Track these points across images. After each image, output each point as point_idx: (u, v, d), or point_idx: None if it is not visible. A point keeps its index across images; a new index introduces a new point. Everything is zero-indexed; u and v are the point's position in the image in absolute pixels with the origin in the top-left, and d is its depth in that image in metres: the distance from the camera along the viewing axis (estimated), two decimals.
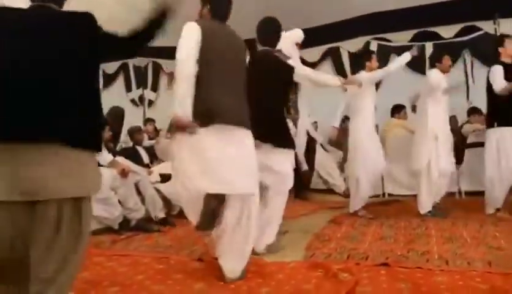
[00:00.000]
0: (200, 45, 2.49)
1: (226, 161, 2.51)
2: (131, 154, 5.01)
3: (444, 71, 4.65)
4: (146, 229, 4.18)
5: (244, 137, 2.66)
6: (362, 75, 4.70)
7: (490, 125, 4.50)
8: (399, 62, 4.80)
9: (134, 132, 5.44)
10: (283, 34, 3.69)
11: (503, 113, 4.34)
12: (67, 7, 1.88)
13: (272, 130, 3.27)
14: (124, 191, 4.23)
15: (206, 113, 2.47)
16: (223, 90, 2.55)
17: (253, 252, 3.17)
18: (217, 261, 2.74)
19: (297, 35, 4.25)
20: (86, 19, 1.76)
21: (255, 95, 2.84)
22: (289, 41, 3.95)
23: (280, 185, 3.35)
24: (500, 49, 4.49)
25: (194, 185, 2.52)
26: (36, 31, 1.66)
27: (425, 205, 4.53)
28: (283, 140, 3.39)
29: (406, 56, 4.69)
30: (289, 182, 3.44)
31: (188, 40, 2.49)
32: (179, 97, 2.45)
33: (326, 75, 4.20)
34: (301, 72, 3.58)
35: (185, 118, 2.44)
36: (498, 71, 4.31)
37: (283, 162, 3.35)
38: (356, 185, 4.64)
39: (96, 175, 1.79)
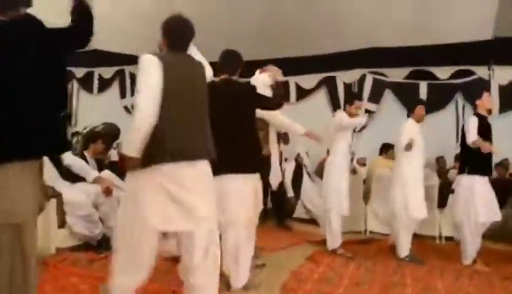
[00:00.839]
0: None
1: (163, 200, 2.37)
2: (119, 168, 4.99)
3: (418, 120, 4.81)
4: None
5: (196, 171, 2.48)
6: (336, 118, 4.91)
7: (461, 171, 4.63)
8: (359, 122, 5.06)
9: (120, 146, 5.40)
10: (256, 75, 4.03)
11: (474, 161, 4.47)
12: None
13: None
14: (106, 208, 4.22)
15: (148, 154, 2.34)
16: (174, 126, 2.42)
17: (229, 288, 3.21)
18: None
19: (267, 78, 4.04)
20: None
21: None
22: (260, 81, 3.89)
23: None
24: (477, 102, 4.65)
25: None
26: None
27: (403, 248, 4.58)
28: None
29: (363, 120, 5.04)
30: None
31: (151, 79, 2.35)
32: (129, 143, 2.34)
33: (292, 122, 4.16)
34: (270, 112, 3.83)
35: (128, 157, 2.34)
36: (472, 123, 4.46)
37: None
38: (329, 223, 4.75)
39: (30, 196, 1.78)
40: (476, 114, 4.59)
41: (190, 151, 2.45)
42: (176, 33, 2.58)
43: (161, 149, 2.35)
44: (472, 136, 4.37)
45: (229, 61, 3.47)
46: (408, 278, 3.89)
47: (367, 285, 3.63)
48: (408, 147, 4.52)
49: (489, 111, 4.68)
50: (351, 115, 4.88)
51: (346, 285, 3.59)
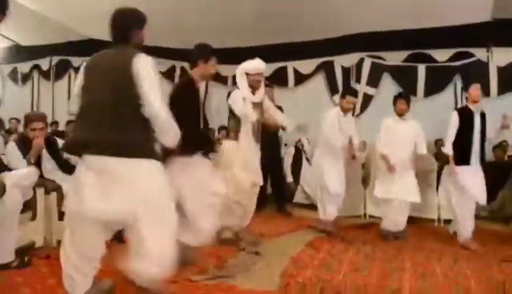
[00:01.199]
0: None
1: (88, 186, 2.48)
2: None
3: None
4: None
5: (107, 165, 2.44)
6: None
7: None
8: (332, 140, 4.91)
9: None
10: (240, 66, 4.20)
11: (455, 152, 4.58)
12: None
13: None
14: None
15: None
16: (81, 120, 2.56)
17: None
18: None
19: (247, 66, 4.18)
20: None
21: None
22: (238, 71, 4.19)
23: None
24: (466, 94, 4.74)
25: None
26: None
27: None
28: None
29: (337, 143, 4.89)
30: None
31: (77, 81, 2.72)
32: None
33: (251, 113, 4.06)
34: (237, 105, 4.08)
35: None
36: (452, 119, 4.63)
37: None
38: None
39: None
40: (457, 109, 4.82)
41: (93, 145, 2.47)
42: (113, 27, 2.61)
43: (70, 140, 2.72)
44: (450, 135, 4.58)
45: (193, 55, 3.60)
46: (407, 263, 3.92)
47: (367, 270, 3.67)
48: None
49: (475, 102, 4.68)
50: (342, 109, 4.96)
51: (346, 270, 3.63)
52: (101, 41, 8.49)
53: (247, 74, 4.15)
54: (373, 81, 7.74)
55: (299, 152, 6.90)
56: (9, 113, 9.02)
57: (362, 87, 7.76)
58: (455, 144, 4.57)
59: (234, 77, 7.53)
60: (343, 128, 4.97)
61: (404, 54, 7.49)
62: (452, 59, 7.17)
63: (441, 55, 7.23)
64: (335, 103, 7.89)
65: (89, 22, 7.64)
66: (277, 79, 7.84)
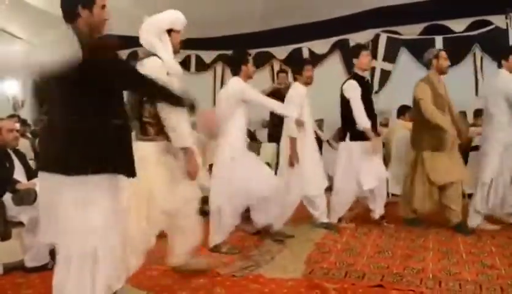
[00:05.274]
0: None
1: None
2: None
3: (307, 83, 4.62)
4: None
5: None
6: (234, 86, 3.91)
7: (342, 138, 4.60)
8: (273, 106, 4.05)
9: None
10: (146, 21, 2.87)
11: (353, 128, 4.39)
12: None
13: None
14: None
15: None
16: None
17: None
18: None
19: (170, 19, 2.88)
20: None
21: None
22: (154, 27, 2.84)
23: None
24: (354, 61, 4.54)
25: None
26: None
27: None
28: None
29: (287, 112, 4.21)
30: None
31: None
32: None
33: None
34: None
35: None
36: (354, 87, 4.39)
37: None
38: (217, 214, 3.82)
39: None
40: (354, 73, 4.54)
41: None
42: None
43: None
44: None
45: None
46: (430, 242, 3.96)
47: (390, 252, 3.71)
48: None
49: (365, 70, 4.57)
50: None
51: (369, 253, 3.69)
52: (116, 36, 8.72)
53: (171, 31, 2.87)
54: (390, 57, 7.66)
55: (317, 138, 6.88)
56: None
57: (379, 64, 7.69)
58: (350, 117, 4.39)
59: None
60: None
61: (420, 26, 7.33)
62: (470, 28, 6.99)
63: (458, 25, 7.05)
64: None
65: None
66: (293, 62, 7.81)
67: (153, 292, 2.93)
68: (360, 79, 4.47)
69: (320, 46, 8.16)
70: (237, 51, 4.15)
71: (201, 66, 9.25)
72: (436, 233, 4.25)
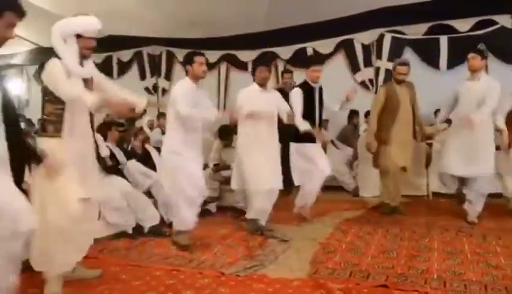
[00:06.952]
0: None
1: None
2: (143, 157, 5.11)
3: (261, 83, 4.48)
4: (159, 234, 4.34)
5: None
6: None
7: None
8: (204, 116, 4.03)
9: (136, 133, 5.41)
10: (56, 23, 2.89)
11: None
12: None
13: None
14: (134, 203, 4.40)
15: None
16: None
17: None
18: None
19: (79, 23, 2.87)
20: None
21: None
22: (61, 31, 2.86)
23: None
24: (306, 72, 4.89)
25: None
26: None
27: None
28: None
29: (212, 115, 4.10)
30: None
31: None
32: None
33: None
34: (61, 83, 2.79)
35: None
36: (298, 95, 4.70)
37: None
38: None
39: None
40: (300, 85, 4.84)
41: None
42: None
43: None
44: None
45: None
46: (435, 242, 3.96)
47: (395, 252, 3.71)
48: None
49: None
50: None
51: (373, 253, 3.68)
52: (122, 37, 8.76)
53: (79, 36, 2.84)
54: (395, 57, 7.60)
55: None
56: (36, 113, 9.25)
57: (383, 64, 7.67)
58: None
59: (254, 62, 7.64)
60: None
61: (425, 26, 7.31)
62: (475, 28, 6.97)
63: (463, 25, 7.04)
64: (357, 81, 7.87)
65: (107, 20, 7.73)
66: (297, 61, 7.81)
67: (157, 292, 2.94)
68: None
69: (325, 46, 8.14)
70: (187, 53, 4.25)
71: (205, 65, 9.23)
72: (441, 233, 4.24)
